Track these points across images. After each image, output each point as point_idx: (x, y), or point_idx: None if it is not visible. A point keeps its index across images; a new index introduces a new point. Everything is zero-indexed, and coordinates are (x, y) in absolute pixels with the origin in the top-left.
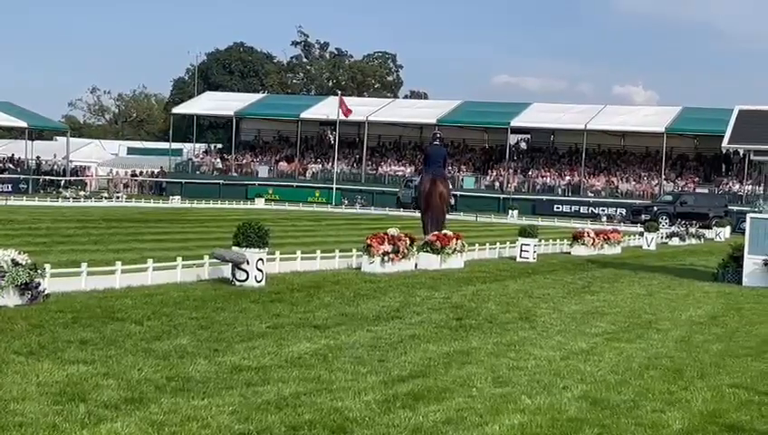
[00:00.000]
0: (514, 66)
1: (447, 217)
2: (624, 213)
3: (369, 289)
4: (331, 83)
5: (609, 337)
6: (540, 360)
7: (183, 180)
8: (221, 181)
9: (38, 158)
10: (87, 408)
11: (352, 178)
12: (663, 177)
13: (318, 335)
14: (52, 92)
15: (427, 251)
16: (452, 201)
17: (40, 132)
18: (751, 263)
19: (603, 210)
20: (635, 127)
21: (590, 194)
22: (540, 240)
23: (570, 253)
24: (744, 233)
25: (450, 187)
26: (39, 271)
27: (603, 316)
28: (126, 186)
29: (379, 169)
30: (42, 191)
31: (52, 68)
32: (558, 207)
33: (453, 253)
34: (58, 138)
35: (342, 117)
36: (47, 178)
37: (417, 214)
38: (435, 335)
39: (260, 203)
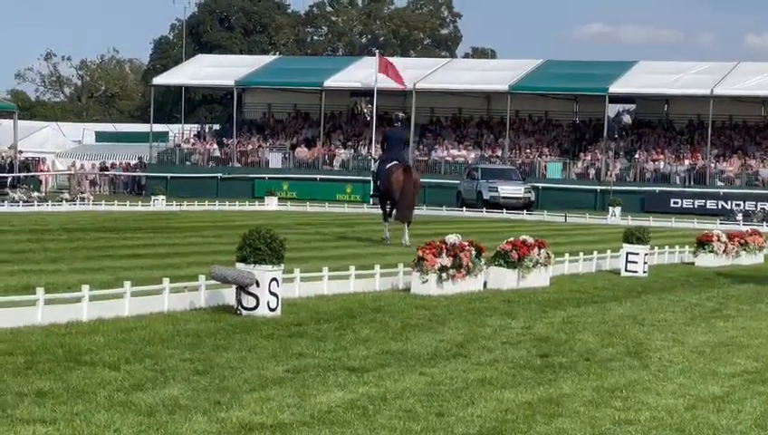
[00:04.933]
0: (610, 12)
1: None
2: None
3: (421, 317)
4: (364, 40)
5: (750, 378)
6: (656, 410)
7: (168, 174)
8: (219, 175)
9: None
10: None
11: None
12: None
13: (354, 381)
14: None
15: (500, 265)
16: (531, 195)
17: None
18: None
19: (738, 205)
20: None
21: (719, 183)
22: (652, 247)
23: (693, 263)
24: None
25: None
26: None
27: (742, 350)
28: (93, 183)
29: (433, 153)
30: None
31: None
32: (676, 202)
33: (534, 266)
34: (2, 121)
35: (383, 84)
36: None
37: (485, 214)
38: (512, 379)
39: (272, 203)
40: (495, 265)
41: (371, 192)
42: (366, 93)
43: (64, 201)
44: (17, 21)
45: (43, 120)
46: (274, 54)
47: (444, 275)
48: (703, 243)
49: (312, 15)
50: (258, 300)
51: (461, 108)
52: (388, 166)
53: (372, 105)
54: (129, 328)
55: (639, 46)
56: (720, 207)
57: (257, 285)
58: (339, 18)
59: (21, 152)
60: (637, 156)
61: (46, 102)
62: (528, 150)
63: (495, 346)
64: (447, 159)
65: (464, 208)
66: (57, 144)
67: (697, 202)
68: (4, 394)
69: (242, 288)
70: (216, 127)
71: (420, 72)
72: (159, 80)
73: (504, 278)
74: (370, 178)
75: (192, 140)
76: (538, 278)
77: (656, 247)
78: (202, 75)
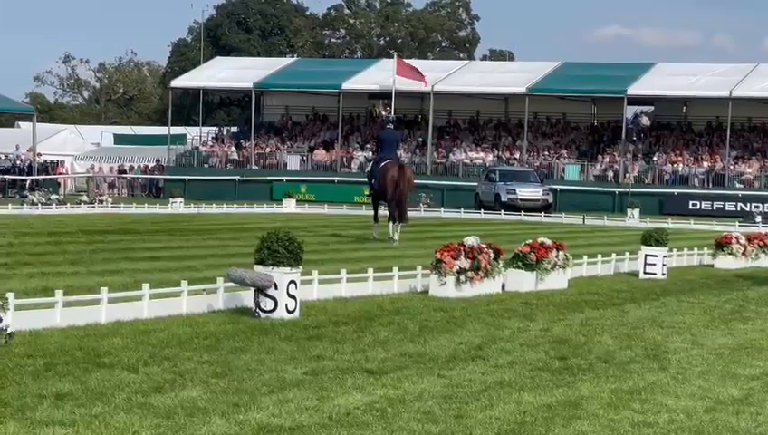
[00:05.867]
0: (628, 14)
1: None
2: None
3: (440, 320)
4: (382, 42)
5: None
6: (675, 413)
7: (186, 177)
8: (237, 177)
9: None
10: None
11: (414, 169)
12: None
13: (372, 383)
14: (11, 63)
15: (518, 267)
16: (549, 198)
17: None
18: None
19: (757, 207)
20: None
21: (738, 185)
22: (671, 249)
23: (712, 266)
24: None
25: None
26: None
27: (761, 352)
28: (112, 186)
29: (451, 156)
30: (0, 195)
31: (12, 31)
32: (694, 204)
33: (553, 268)
34: (21, 123)
35: (401, 86)
36: (7, 177)
37: (503, 216)
38: (531, 381)
39: (290, 205)
40: (514, 268)
41: (367, 192)
42: (384, 96)
43: (83, 204)
44: (35, 24)
45: (62, 122)
46: (292, 57)
47: (462, 277)
48: (722, 245)
49: (330, 18)
50: (276, 302)
51: (479, 110)
52: (382, 164)
53: (390, 107)
54: (147, 330)
55: (657, 48)
56: (739, 209)
57: (275, 287)
58: (356, 20)
59: (40, 155)
60: (655, 158)
61: (65, 105)
62: (546, 153)
63: (514, 348)
64: (465, 161)
65: (482, 211)
66: (75, 147)
67: (716, 204)
68: (23, 396)
69: (260, 291)
70: (234, 129)
71: (438, 75)
72: (177, 82)
73: (522, 280)
74: (365, 178)
75: (210, 143)
76: (556, 280)
77: (674, 250)
78: (220, 78)
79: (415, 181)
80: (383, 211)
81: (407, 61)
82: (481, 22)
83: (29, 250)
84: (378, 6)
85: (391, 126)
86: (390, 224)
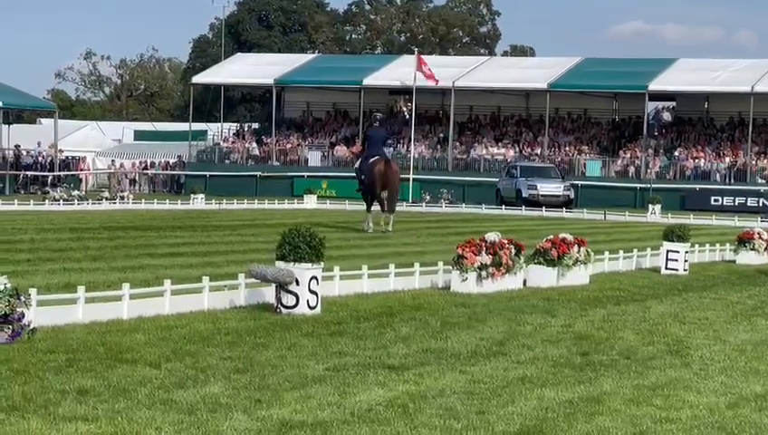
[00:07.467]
0: (649, 10)
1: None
2: None
3: (461, 315)
4: (403, 38)
5: None
6: (698, 409)
7: (207, 173)
8: (258, 173)
9: (17, 147)
10: None
11: (435, 165)
12: None
13: (394, 379)
14: (33, 60)
15: (540, 263)
16: (570, 193)
17: (18, 113)
18: None
19: None
20: None
21: (760, 181)
22: (693, 245)
23: (734, 261)
24: None
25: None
26: (22, 298)
27: None
28: (133, 182)
29: (472, 152)
30: (22, 191)
31: (34, 28)
32: (716, 200)
33: (574, 264)
34: (43, 120)
35: (422, 82)
36: (29, 173)
37: (525, 212)
38: (552, 377)
39: (311, 201)
40: (535, 264)
41: (357, 189)
42: (405, 91)
43: (104, 200)
44: (57, 20)
45: (83, 119)
46: (313, 53)
47: (483, 273)
48: (744, 240)
49: (351, 14)
50: (298, 298)
51: (500, 106)
52: (370, 160)
53: (411, 103)
54: (169, 326)
55: (679, 44)
56: (761, 204)
57: (297, 283)
58: (377, 16)
59: (61, 151)
60: (676, 153)
61: (86, 101)
62: (567, 148)
63: (535, 344)
64: (486, 157)
65: (503, 206)
66: (97, 143)
67: (738, 200)
68: (46, 392)
69: (281, 287)
70: (255, 125)
71: (459, 71)
72: (199, 79)
73: (543, 276)
74: (354, 174)
75: (231, 139)
76: (578, 276)
77: (696, 245)
78: (241, 74)
79: (401, 176)
80: (374, 206)
81: (425, 57)
82: (502, 17)
83: (51, 246)
84: (398, 2)
85: (378, 124)
86: (382, 215)
